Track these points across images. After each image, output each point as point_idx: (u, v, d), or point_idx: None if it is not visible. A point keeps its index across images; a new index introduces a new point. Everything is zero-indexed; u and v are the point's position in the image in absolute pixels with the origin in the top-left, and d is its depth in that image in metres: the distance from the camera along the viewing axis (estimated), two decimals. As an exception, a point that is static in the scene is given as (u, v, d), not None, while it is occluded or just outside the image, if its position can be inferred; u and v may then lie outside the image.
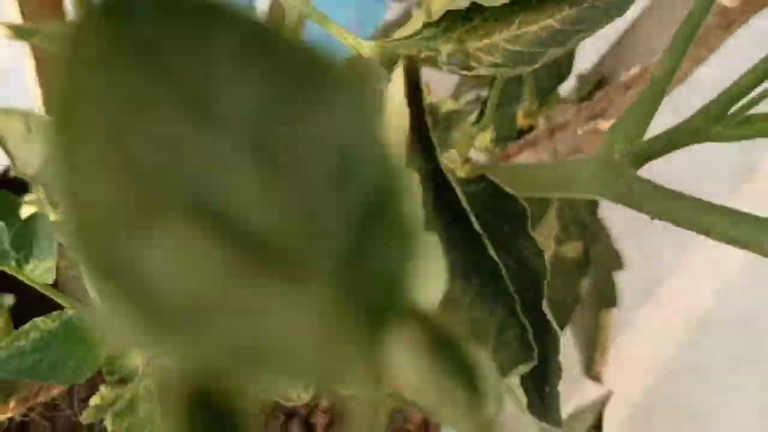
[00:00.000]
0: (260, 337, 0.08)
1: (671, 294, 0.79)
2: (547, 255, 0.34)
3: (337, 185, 0.08)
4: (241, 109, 0.08)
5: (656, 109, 0.24)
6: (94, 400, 0.24)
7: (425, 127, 0.19)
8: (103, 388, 0.24)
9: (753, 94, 0.21)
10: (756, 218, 0.20)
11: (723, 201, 0.21)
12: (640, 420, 0.73)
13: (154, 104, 0.08)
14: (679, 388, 0.74)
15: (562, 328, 0.38)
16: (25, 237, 0.25)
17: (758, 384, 0.72)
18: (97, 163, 0.08)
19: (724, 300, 0.78)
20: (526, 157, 0.32)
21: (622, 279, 0.79)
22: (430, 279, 0.20)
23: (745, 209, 0.20)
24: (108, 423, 0.25)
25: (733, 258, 0.79)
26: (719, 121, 0.22)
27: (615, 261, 0.48)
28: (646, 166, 0.24)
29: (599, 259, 0.48)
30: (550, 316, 0.20)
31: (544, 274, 0.20)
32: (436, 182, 0.19)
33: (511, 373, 0.20)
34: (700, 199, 0.21)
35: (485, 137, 0.28)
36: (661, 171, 0.26)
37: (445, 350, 0.11)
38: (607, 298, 0.48)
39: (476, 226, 0.20)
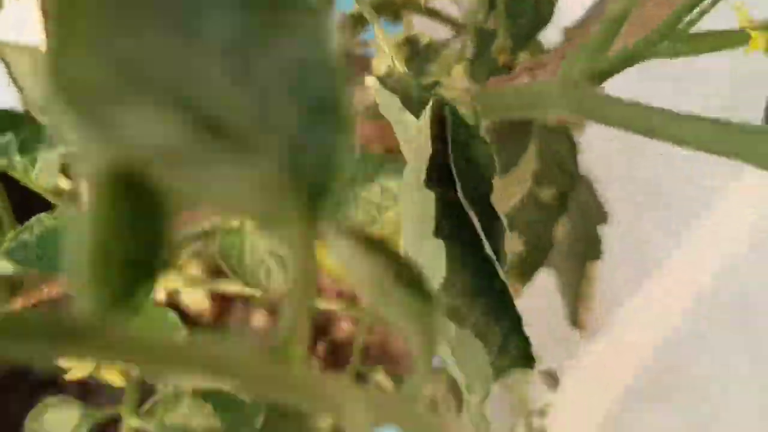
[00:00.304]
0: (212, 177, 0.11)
1: (670, 274, 0.82)
2: (523, 190, 0.37)
3: (291, 88, 0.11)
4: (221, 26, 0.11)
5: (617, 33, 0.27)
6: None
7: (447, 159, 0.22)
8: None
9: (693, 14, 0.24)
10: (697, 117, 0.22)
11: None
12: (633, 398, 0.76)
13: (147, 17, 0.11)
14: (678, 367, 0.77)
15: (538, 266, 0.40)
16: (30, 146, 0.28)
17: (758, 383, 0.75)
18: (88, 47, 0.11)
19: (723, 281, 0.81)
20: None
21: (619, 260, 0.81)
22: (434, 273, 0.22)
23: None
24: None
25: (733, 240, 0.82)
26: (667, 37, 0.25)
27: (599, 215, 0.50)
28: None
29: (584, 213, 0.51)
30: (496, 209, 0.23)
31: (492, 170, 0.22)
32: (452, 208, 0.22)
33: (506, 375, 0.23)
34: (647, 105, 0.24)
35: (459, 69, 0.31)
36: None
37: (388, 256, 0.14)
38: (591, 250, 0.50)
39: (489, 251, 0.22)
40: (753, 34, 0.22)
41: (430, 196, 0.22)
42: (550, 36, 0.46)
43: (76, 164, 0.10)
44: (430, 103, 0.22)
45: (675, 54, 0.25)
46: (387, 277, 0.13)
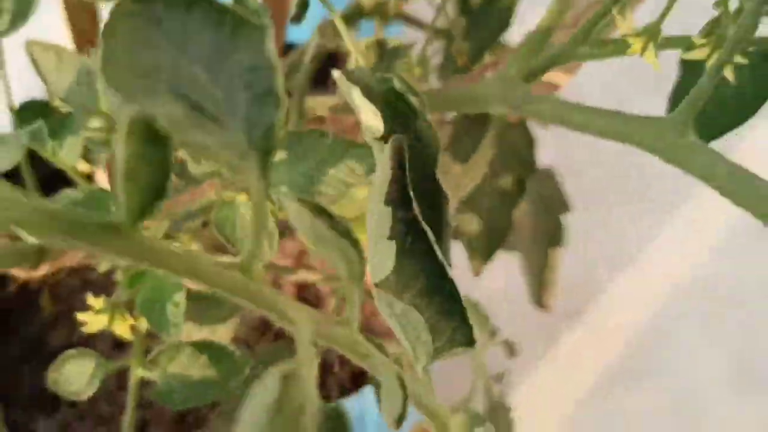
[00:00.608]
0: (200, 141, 0.17)
1: (646, 264, 0.88)
2: (480, 177, 0.43)
3: (246, 83, 0.18)
4: (202, 45, 0.17)
5: (549, 37, 0.34)
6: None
7: (406, 185, 0.27)
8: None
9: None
10: (600, 110, 0.29)
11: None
12: (610, 380, 0.82)
13: (158, 41, 0.17)
14: (654, 351, 0.83)
15: (497, 247, 0.47)
16: (58, 130, 0.34)
17: (727, 355, 0.81)
18: (123, 59, 0.17)
19: (696, 272, 0.87)
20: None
21: (600, 249, 0.88)
22: (381, 264, 0.28)
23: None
24: (118, 275, 0.35)
25: (707, 233, 0.88)
26: (583, 43, 0.31)
27: (562, 204, 0.57)
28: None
29: (547, 204, 0.57)
30: (442, 184, 0.29)
31: (438, 147, 0.28)
32: (412, 224, 0.28)
33: (450, 354, 0.29)
34: (564, 101, 0.30)
35: (418, 69, 0.38)
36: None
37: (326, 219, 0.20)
38: (554, 238, 0.57)
39: (441, 257, 0.28)
40: (632, 40, 0.28)
41: (388, 212, 0.28)
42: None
43: (117, 121, 0.16)
44: (392, 137, 0.28)
45: (591, 57, 0.32)
46: (325, 229, 0.20)
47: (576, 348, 0.84)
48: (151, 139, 0.14)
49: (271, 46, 0.17)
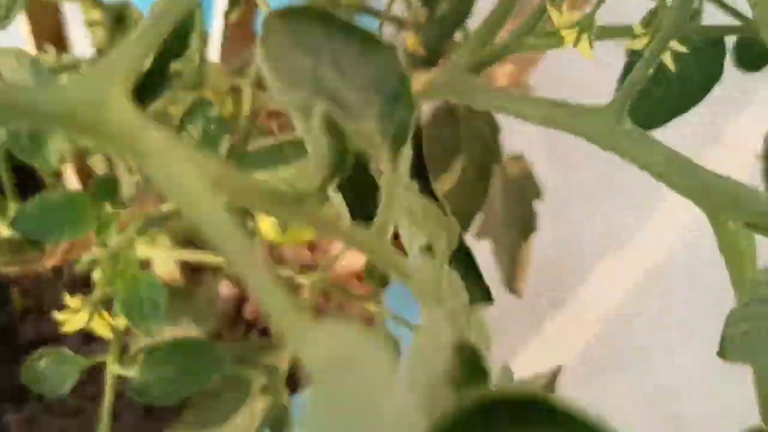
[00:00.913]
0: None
1: (627, 255, 0.91)
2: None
3: (376, 87, 0.21)
4: (346, 59, 0.21)
5: (499, 28, 0.36)
6: (86, 256, 0.36)
7: (423, 163, 0.30)
8: (93, 248, 0.36)
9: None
10: (536, 99, 0.31)
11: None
12: (588, 366, 0.85)
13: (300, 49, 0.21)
14: (630, 339, 0.86)
15: (464, 230, 0.49)
16: (38, 135, 0.37)
17: (705, 336, 0.84)
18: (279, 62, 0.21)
19: (673, 262, 0.90)
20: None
21: (585, 237, 0.90)
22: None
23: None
24: (96, 274, 0.37)
25: (683, 225, 0.91)
26: (530, 33, 0.33)
27: (534, 191, 0.59)
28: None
29: (520, 190, 0.60)
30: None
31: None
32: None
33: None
34: (504, 91, 0.33)
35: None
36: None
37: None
38: (527, 224, 0.59)
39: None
40: (564, 33, 0.31)
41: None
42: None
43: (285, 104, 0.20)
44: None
45: (537, 47, 0.34)
46: (428, 206, 0.23)
47: (559, 332, 0.87)
48: (330, 126, 0.18)
49: (400, 60, 0.21)
